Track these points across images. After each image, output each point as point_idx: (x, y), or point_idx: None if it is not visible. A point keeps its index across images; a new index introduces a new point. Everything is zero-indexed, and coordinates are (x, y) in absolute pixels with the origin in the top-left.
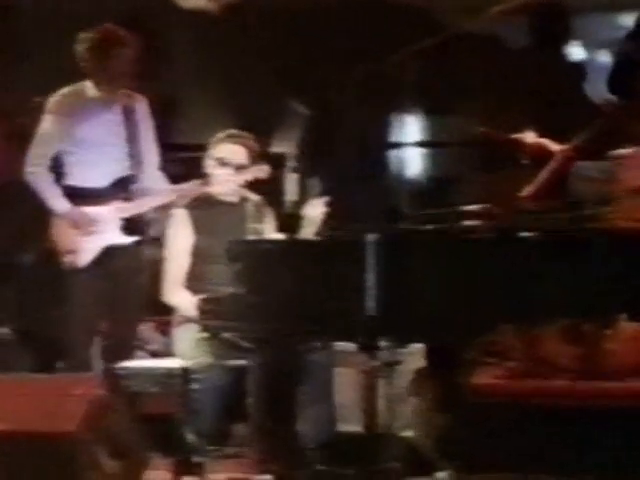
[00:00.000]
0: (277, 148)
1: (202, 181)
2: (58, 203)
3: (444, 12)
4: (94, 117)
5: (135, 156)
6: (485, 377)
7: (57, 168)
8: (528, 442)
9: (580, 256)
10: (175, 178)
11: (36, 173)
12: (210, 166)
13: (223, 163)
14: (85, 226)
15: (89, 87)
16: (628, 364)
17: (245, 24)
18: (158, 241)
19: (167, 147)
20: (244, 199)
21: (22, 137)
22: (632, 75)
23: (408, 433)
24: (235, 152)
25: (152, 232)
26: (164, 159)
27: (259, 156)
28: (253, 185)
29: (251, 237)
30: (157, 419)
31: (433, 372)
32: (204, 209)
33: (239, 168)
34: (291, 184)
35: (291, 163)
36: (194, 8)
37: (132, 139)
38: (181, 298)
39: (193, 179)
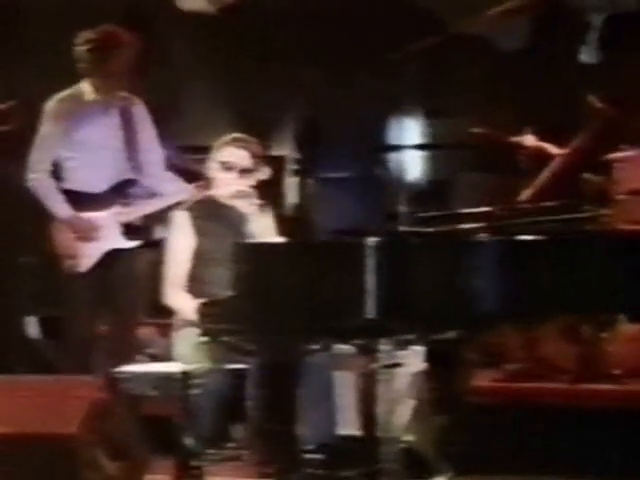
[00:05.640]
0: (277, 151)
1: (202, 184)
2: (60, 209)
3: (444, 12)
4: (91, 120)
5: (134, 160)
6: (484, 379)
7: (56, 173)
8: (527, 444)
9: (579, 258)
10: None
11: (38, 179)
12: (213, 169)
13: (227, 167)
14: (86, 232)
15: (86, 90)
16: (627, 366)
17: (244, 25)
18: (158, 244)
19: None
20: (245, 202)
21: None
22: None
23: (407, 436)
24: (239, 156)
25: (152, 235)
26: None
27: (262, 160)
28: (254, 188)
29: (252, 240)
30: (157, 422)
31: (432, 374)
32: (205, 212)
33: (243, 172)
34: (291, 187)
35: (291, 166)
36: (193, 10)
37: (130, 142)
38: (181, 301)
39: (194, 181)
